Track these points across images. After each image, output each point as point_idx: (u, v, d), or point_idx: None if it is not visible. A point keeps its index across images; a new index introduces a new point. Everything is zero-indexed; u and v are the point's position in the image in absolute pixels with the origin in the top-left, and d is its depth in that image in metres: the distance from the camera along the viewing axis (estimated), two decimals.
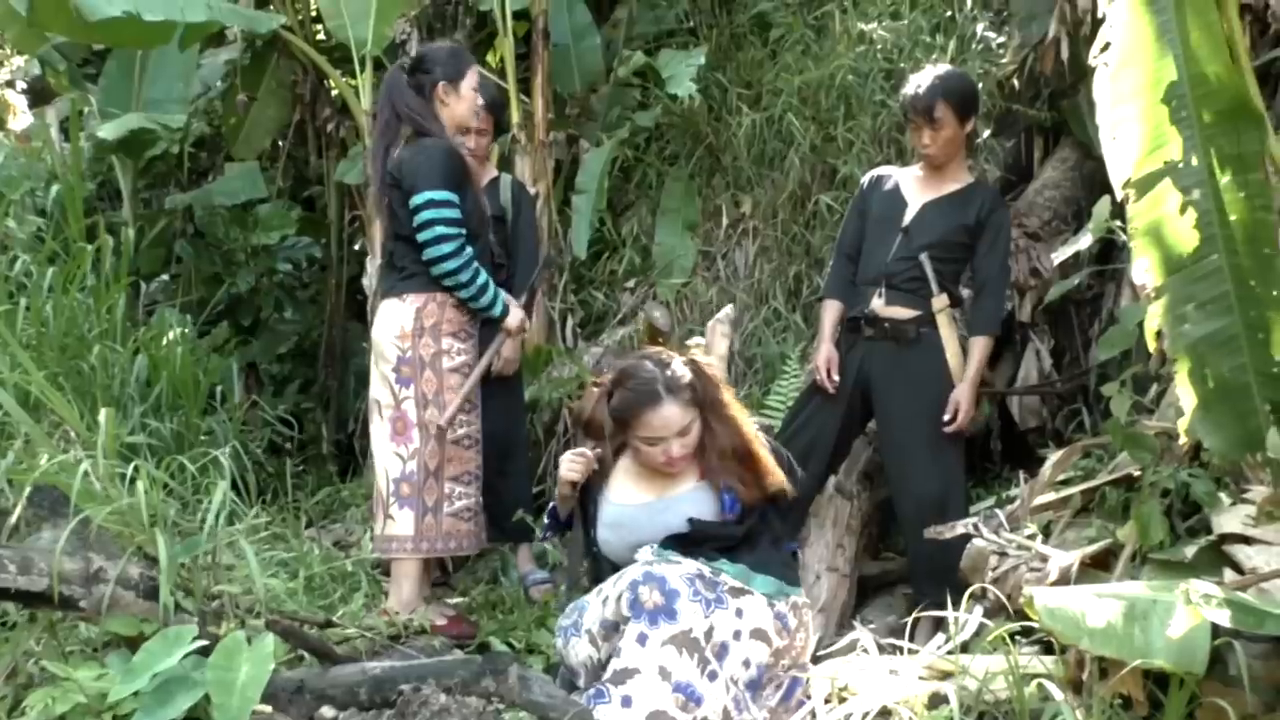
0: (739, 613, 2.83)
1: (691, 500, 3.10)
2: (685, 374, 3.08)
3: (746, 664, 2.82)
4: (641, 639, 2.72)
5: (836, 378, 4.05)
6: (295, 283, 7.57)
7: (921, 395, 3.94)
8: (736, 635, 2.81)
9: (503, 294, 3.92)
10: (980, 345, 3.95)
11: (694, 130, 6.27)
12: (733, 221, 5.96)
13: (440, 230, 3.69)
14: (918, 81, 4.00)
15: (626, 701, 2.66)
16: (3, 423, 3.51)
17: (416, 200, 3.70)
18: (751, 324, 5.55)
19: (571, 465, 3.21)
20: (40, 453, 3.32)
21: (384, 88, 3.94)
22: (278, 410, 6.18)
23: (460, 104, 3.94)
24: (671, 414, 3.04)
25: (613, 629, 2.83)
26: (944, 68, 4.17)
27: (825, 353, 4.09)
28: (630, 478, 3.22)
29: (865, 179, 4.31)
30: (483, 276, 3.81)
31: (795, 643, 2.95)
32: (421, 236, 3.71)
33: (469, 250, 3.76)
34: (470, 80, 3.97)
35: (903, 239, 4.01)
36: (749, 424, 3.20)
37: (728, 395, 3.19)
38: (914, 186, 4.10)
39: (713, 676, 2.74)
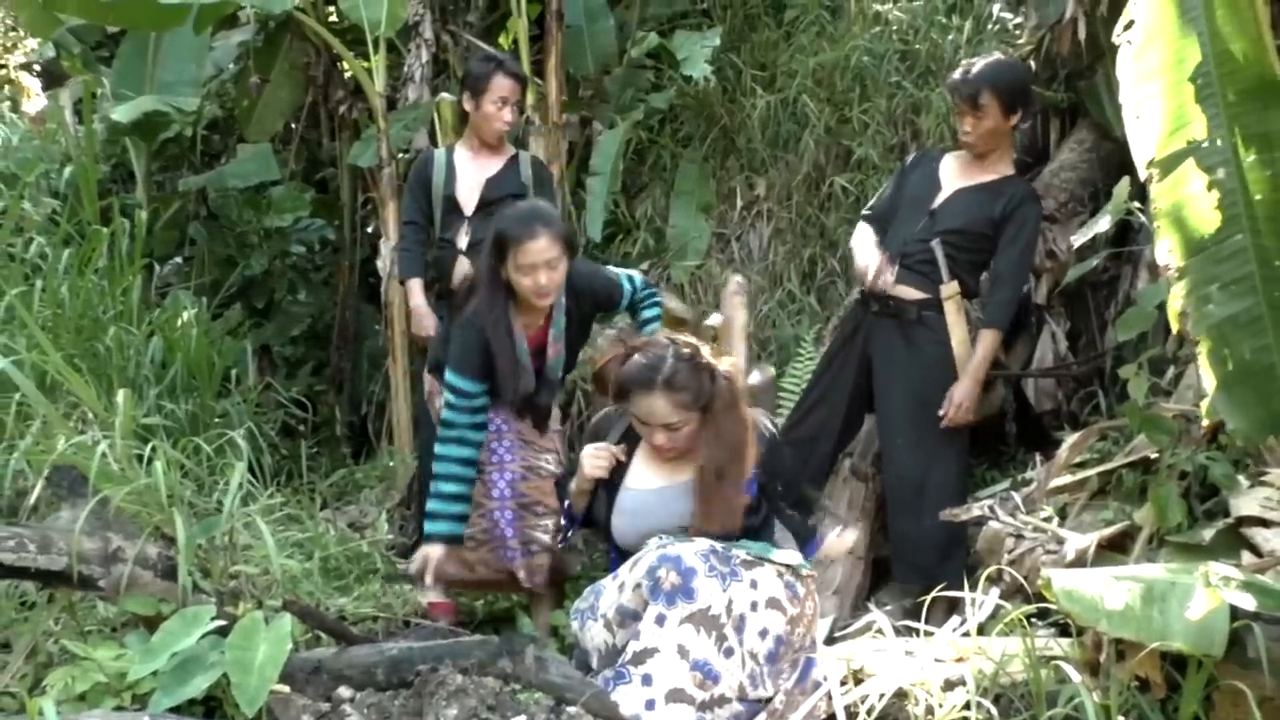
0: (753, 584, 2.83)
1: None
2: (693, 377, 3.02)
3: (764, 634, 2.82)
4: (660, 619, 2.73)
5: (889, 277, 3.99)
6: (308, 265, 7.56)
7: (915, 376, 3.94)
8: (754, 606, 2.82)
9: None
10: (986, 338, 3.93)
11: (708, 112, 6.24)
12: (747, 204, 5.94)
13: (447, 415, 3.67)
14: (968, 65, 3.96)
15: (647, 680, 2.68)
16: (21, 404, 3.52)
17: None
18: (766, 306, 5.54)
19: (596, 462, 3.19)
20: (58, 434, 3.33)
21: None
22: (291, 392, 6.18)
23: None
24: (658, 407, 3.02)
25: (630, 616, 2.83)
26: (997, 55, 4.13)
27: (876, 261, 4.02)
28: (645, 463, 3.22)
29: (911, 156, 4.31)
30: (443, 487, 3.67)
31: (805, 610, 2.95)
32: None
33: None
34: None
35: (927, 221, 4.00)
36: (743, 454, 3.10)
37: (738, 413, 3.10)
38: (952, 171, 4.07)
39: (729, 653, 2.75)
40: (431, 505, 3.64)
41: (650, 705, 2.66)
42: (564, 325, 3.72)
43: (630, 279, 3.89)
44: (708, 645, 2.72)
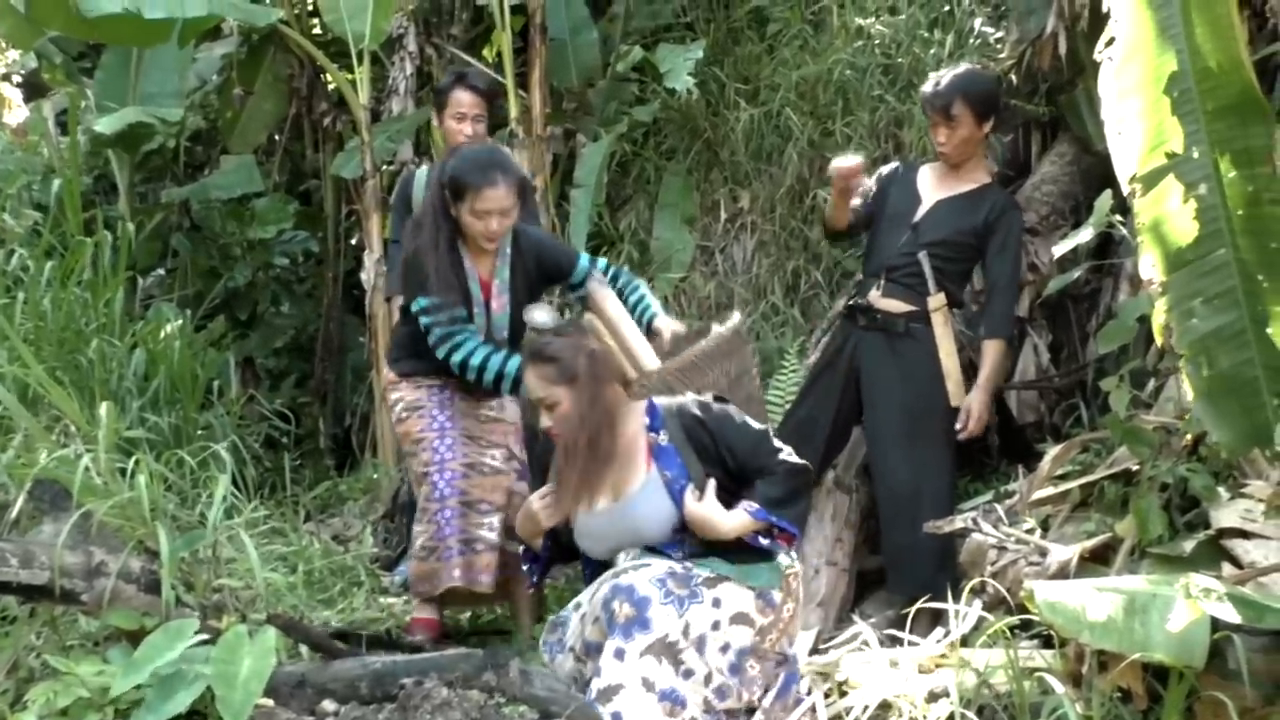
0: (716, 602, 2.80)
1: (644, 499, 2.96)
2: (563, 351, 2.94)
3: (725, 649, 2.78)
4: (619, 654, 2.70)
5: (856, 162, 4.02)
6: (292, 277, 7.55)
7: (905, 388, 3.96)
8: (715, 625, 2.78)
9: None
10: (992, 349, 3.97)
11: (692, 125, 6.27)
12: (731, 216, 5.96)
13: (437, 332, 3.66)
14: (938, 78, 4.01)
15: (616, 718, 2.63)
16: (2, 417, 3.51)
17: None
18: (750, 319, 5.55)
19: (552, 514, 3.05)
20: (40, 447, 3.32)
21: None
22: (274, 404, 6.17)
23: None
24: (530, 379, 2.99)
25: (595, 649, 2.81)
26: (966, 66, 4.18)
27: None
28: None
29: (887, 168, 4.32)
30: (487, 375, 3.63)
31: (783, 615, 2.90)
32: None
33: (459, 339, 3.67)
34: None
35: (910, 235, 4.03)
36: (613, 427, 2.95)
37: (608, 388, 2.96)
38: (930, 183, 4.12)
39: (688, 675, 2.72)
40: (489, 377, 3.60)
41: None
42: (508, 277, 3.74)
43: (592, 260, 3.87)
44: (669, 674, 2.69)
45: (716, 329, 3.43)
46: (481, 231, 3.59)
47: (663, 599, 2.74)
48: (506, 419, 3.92)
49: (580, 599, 2.96)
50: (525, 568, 3.30)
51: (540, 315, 3.17)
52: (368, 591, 4.14)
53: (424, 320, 3.62)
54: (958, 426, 3.93)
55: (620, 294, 3.80)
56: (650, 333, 3.64)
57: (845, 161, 4.05)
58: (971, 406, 3.92)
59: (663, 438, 2.97)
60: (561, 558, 3.26)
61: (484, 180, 3.53)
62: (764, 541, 2.89)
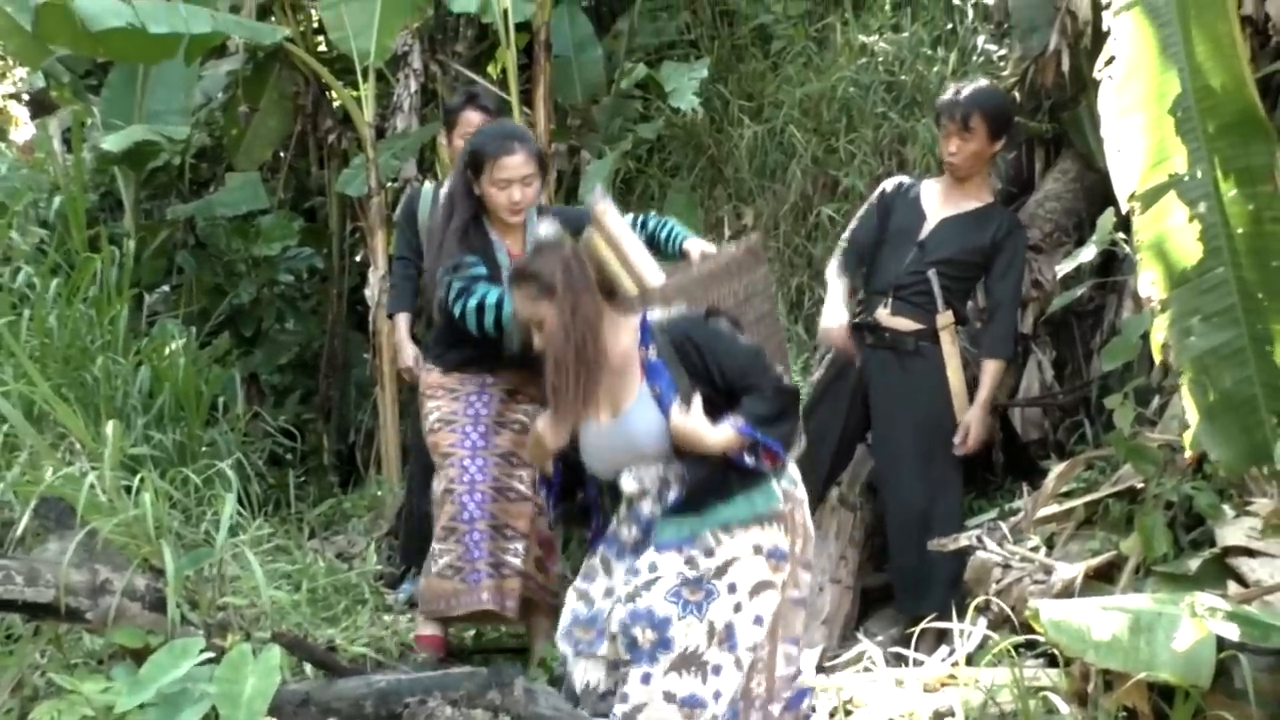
0: (732, 588, 2.79)
1: (638, 414, 2.91)
2: (541, 265, 2.93)
3: (759, 620, 2.80)
4: (646, 679, 2.73)
5: (849, 345, 4.05)
6: (296, 293, 7.58)
7: (915, 407, 3.96)
8: (738, 608, 2.79)
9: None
10: (992, 369, 3.97)
11: (696, 142, 6.28)
12: (735, 233, 5.95)
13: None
14: (958, 89, 4.03)
15: None
16: (8, 434, 3.51)
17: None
18: None
19: (556, 439, 3.04)
20: (46, 465, 3.33)
21: None
22: (279, 421, 6.17)
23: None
24: (516, 301, 2.99)
25: (613, 666, 2.83)
26: (984, 81, 4.21)
27: (842, 319, 4.06)
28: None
29: (889, 183, 4.31)
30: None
31: (796, 549, 2.90)
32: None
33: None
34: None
35: (917, 252, 4.02)
36: (597, 335, 2.90)
37: (587, 295, 2.91)
38: (935, 200, 4.12)
39: (717, 671, 2.74)
40: (490, 318, 3.60)
41: None
42: None
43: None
44: (693, 683, 2.72)
45: (730, 247, 3.39)
46: (504, 203, 3.63)
47: (681, 613, 2.76)
48: None
49: (588, 588, 2.96)
50: (542, 496, 3.30)
51: (546, 229, 3.11)
52: (372, 609, 4.13)
53: (446, 283, 3.65)
54: (955, 441, 3.92)
55: (652, 235, 3.77)
56: (681, 255, 3.63)
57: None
58: (970, 424, 3.92)
59: (652, 353, 2.92)
60: (576, 483, 3.18)
61: (501, 149, 3.60)
62: (749, 460, 2.83)
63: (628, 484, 2.91)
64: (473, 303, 3.61)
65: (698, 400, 2.84)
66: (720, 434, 2.81)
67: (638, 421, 2.90)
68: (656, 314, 2.97)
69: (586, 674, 2.88)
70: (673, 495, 2.85)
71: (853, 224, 4.35)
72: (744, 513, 2.85)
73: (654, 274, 3.29)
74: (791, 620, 2.91)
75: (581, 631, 2.95)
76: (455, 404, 3.82)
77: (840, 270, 4.21)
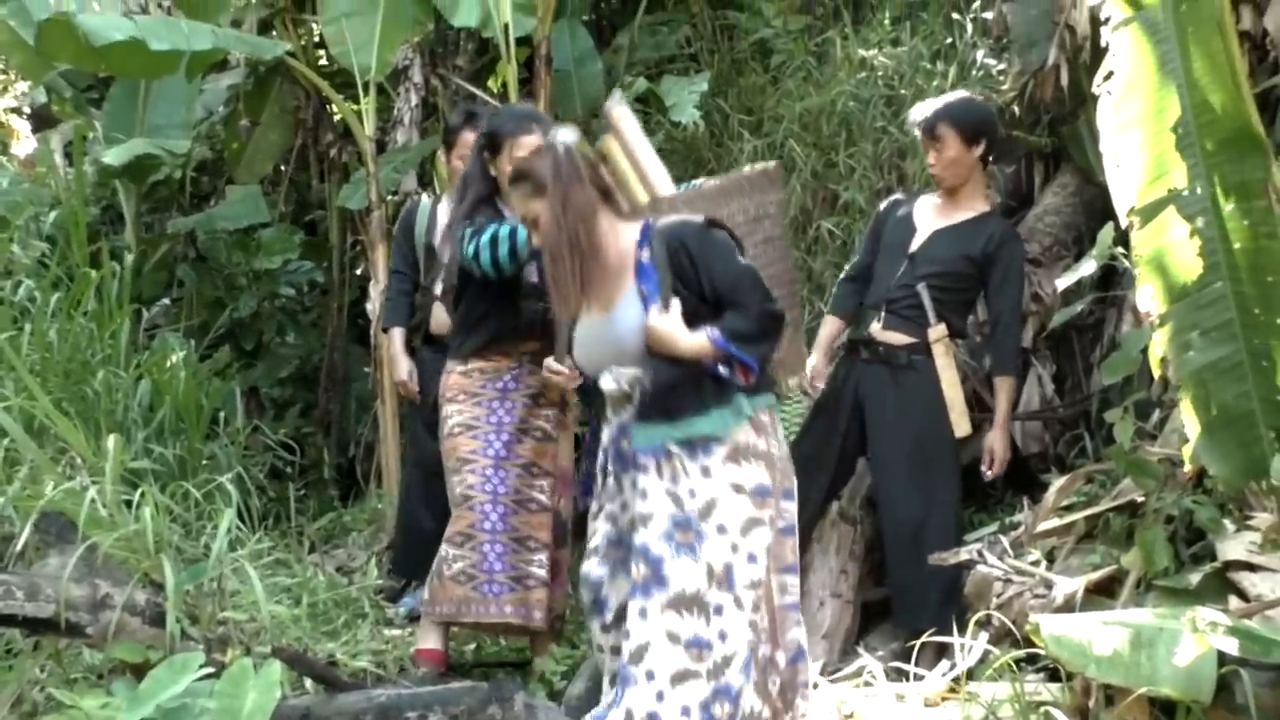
0: (721, 529, 2.82)
1: (623, 311, 2.93)
2: (535, 164, 2.97)
3: (753, 558, 2.82)
4: (643, 613, 2.77)
5: (819, 385, 4.17)
6: (297, 307, 7.59)
7: (909, 420, 3.96)
8: (734, 548, 2.82)
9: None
10: (1005, 386, 3.99)
11: (696, 156, 6.28)
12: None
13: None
14: (930, 103, 4.06)
15: (650, 675, 2.70)
16: (9, 449, 3.51)
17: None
18: None
19: (567, 382, 3.26)
20: (46, 479, 3.33)
21: None
22: (279, 434, 6.17)
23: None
24: (514, 202, 3.08)
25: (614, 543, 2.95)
26: (959, 93, 4.25)
27: (812, 362, 4.17)
28: (591, 300, 3.08)
29: (883, 204, 4.34)
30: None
31: (776, 481, 2.91)
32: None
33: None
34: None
35: (908, 265, 4.03)
36: (592, 228, 2.91)
37: (582, 194, 2.92)
38: (928, 214, 4.12)
39: (719, 611, 2.77)
40: (504, 248, 3.61)
41: (660, 697, 2.69)
42: None
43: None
44: (695, 623, 2.75)
45: (747, 167, 3.38)
46: None
47: (674, 554, 2.79)
48: (558, 443, 3.92)
49: (611, 507, 3.01)
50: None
51: (564, 134, 3.10)
52: (372, 623, 4.13)
53: (459, 237, 3.69)
54: (983, 468, 3.95)
55: None
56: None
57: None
58: (994, 447, 3.95)
59: (645, 254, 2.94)
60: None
61: (520, 128, 3.65)
62: (723, 370, 2.85)
63: (606, 383, 2.94)
64: (485, 237, 3.63)
65: (676, 303, 2.87)
66: (694, 340, 2.83)
67: (622, 319, 2.93)
68: (661, 220, 3.00)
69: (620, 594, 2.94)
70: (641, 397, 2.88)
71: (855, 257, 4.41)
72: (717, 427, 2.85)
73: (665, 183, 3.32)
74: (781, 550, 2.93)
75: (614, 550, 3.00)
76: (477, 409, 3.80)
77: (831, 307, 4.33)
